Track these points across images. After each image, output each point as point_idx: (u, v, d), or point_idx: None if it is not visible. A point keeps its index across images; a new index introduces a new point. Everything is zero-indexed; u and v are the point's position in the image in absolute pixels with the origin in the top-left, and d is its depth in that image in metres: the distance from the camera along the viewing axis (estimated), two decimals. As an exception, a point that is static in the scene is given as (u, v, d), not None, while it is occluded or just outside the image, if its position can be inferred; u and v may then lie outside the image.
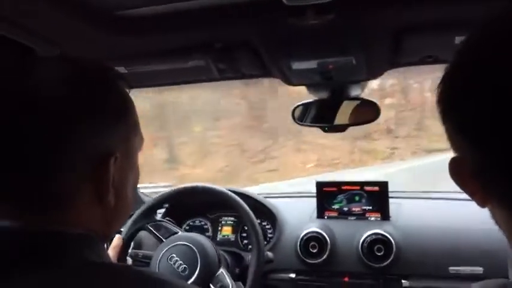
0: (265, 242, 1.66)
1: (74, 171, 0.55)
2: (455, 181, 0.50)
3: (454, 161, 0.49)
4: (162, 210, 1.79)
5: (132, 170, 0.64)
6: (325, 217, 1.63)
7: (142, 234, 1.72)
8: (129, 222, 1.47)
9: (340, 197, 1.62)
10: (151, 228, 1.47)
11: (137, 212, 1.49)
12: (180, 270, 1.33)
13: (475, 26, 0.46)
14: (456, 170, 0.49)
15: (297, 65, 1.09)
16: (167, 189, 1.56)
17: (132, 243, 1.66)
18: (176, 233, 1.44)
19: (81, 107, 0.56)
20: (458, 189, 0.50)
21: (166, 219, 1.53)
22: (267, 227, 1.70)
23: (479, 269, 1.31)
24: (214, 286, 1.32)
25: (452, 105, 0.47)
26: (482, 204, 0.49)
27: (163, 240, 1.42)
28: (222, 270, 1.36)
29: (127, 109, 0.62)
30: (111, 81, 0.62)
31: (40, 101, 0.54)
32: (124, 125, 0.61)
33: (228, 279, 1.36)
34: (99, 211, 0.59)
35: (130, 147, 0.63)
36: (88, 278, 0.52)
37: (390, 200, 1.57)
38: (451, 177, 0.50)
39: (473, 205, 1.51)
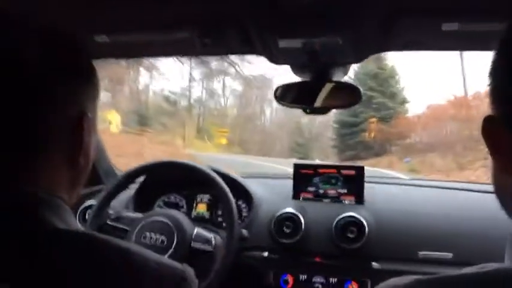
0: (240, 221, 1.66)
1: (48, 131, 0.55)
2: (486, 139, 0.49)
3: (488, 119, 0.49)
4: (136, 186, 1.77)
5: (95, 131, 0.65)
6: (301, 199, 1.64)
7: (117, 206, 1.70)
8: (90, 217, 1.47)
9: (317, 179, 1.63)
10: (112, 224, 1.49)
11: (93, 210, 1.49)
12: (158, 243, 1.35)
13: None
14: (488, 127, 0.49)
15: (283, 43, 1.08)
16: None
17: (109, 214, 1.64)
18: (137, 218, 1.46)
19: (55, 66, 0.56)
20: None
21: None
22: (243, 206, 1.70)
23: (448, 255, 1.34)
24: (197, 243, 1.37)
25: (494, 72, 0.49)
26: (505, 169, 0.49)
27: (128, 229, 1.44)
28: (197, 229, 1.41)
29: (93, 70, 0.64)
30: (80, 43, 0.63)
31: (17, 62, 0.53)
32: (92, 86, 0.63)
33: (207, 233, 1.42)
34: (67, 174, 0.59)
35: (96, 107, 0.65)
36: (53, 244, 0.51)
37: (365, 185, 1.60)
38: (482, 135, 0.49)
39: (447, 192, 1.55)
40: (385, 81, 21.80)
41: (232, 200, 1.41)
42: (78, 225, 0.62)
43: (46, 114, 0.55)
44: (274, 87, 1.40)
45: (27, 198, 0.53)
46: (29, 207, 0.53)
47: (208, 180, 1.43)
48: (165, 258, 0.60)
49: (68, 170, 0.59)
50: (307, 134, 31.18)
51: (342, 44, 1.06)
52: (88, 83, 0.62)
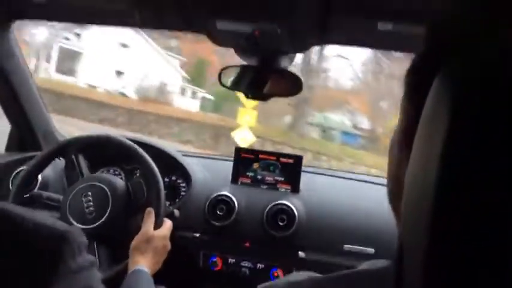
0: (177, 199, 1.65)
1: None
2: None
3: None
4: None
5: None
6: (239, 183, 1.64)
7: (50, 175, 1.66)
8: (16, 184, 1.39)
9: (256, 165, 1.64)
10: (42, 193, 1.45)
11: (21, 176, 1.41)
12: (89, 211, 1.33)
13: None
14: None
15: (221, 25, 1.05)
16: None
17: (38, 184, 1.60)
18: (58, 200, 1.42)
19: None
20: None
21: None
22: (182, 184, 1.69)
23: (370, 250, 1.38)
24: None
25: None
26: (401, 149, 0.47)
27: (61, 198, 1.40)
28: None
29: None
30: None
31: None
32: None
33: None
34: None
35: None
36: None
37: (303, 174, 1.61)
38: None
39: (379, 189, 1.57)
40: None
41: (158, 176, 1.37)
42: None
43: None
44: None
45: None
46: None
47: (134, 154, 1.39)
48: (49, 219, 0.57)
49: None
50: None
51: (281, 33, 1.04)
52: None
